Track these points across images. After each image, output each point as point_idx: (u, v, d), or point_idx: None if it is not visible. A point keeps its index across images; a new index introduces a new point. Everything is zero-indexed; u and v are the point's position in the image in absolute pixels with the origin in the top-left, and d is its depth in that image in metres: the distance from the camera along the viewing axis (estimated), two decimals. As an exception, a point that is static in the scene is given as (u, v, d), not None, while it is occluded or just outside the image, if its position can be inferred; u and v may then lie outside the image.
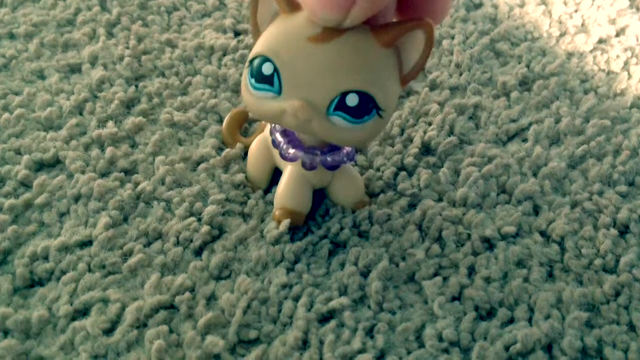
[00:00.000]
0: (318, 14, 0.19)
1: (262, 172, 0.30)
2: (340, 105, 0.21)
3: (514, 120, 0.35)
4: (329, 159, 0.26)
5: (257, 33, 0.22)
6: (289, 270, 0.28)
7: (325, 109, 0.21)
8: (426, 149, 0.33)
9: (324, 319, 0.26)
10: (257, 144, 0.30)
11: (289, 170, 0.28)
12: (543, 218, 0.30)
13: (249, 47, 0.38)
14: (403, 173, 0.32)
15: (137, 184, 0.31)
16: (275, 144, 0.27)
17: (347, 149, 0.27)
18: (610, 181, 0.32)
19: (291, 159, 0.27)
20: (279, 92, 0.21)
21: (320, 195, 0.30)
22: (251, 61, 0.21)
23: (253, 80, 0.22)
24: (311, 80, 0.21)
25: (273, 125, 0.27)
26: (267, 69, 0.21)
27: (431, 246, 0.29)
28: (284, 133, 0.27)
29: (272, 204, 0.30)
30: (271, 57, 0.21)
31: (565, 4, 0.42)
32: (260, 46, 0.21)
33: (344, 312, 0.26)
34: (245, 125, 0.34)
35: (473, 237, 0.29)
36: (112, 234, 0.28)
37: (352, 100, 0.21)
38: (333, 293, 0.27)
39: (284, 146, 0.26)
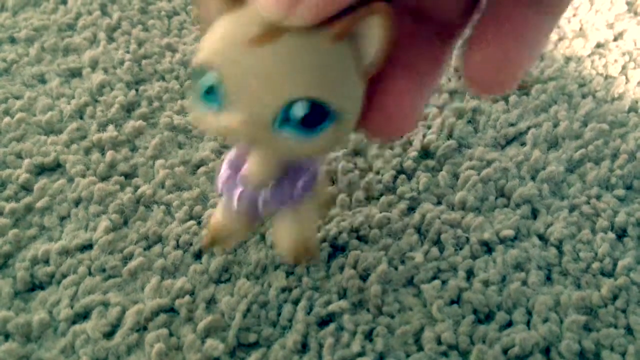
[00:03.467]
0: (262, 4, 0.16)
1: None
2: (286, 118, 0.17)
3: (512, 124, 0.35)
4: (270, 194, 0.23)
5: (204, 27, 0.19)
6: (289, 273, 0.28)
7: (270, 124, 0.17)
8: (425, 153, 0.33)
9: (324, 322, 0.27)
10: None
11: None
12: (541, 222, 0.30)
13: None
14: (402, 176, 0.32)
15: (137, 187, 0.31)
16: (219, 177, 0.24)
17: (296, 189, 0.23)
18: (608, 185, 0.32)
19: (229, 195, 0.23)
20: (221, 106, 0.18)
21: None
22: (194, 70, 0.18)
23: (195, 93, 0.18)
24: (252, 91, 0.17)
25: (229, 154, 0.24)
26: (207, 79, 0.18)
27: (430, 249, 0.29)
28: (230, 168, 0.23)
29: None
30: (210, 64, 0.17)
31: (564, 8, 0.43)
32: (200, 53, 0.18)
33: (343, 315, 0.26)
34: None
35: (472, 241, 0.29)
36: (113, 238, 0.29)
37: (298, 110, 0.17)
38: (332, 296, 0.27)
39: (224, 182, 0.23)
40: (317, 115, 0.17)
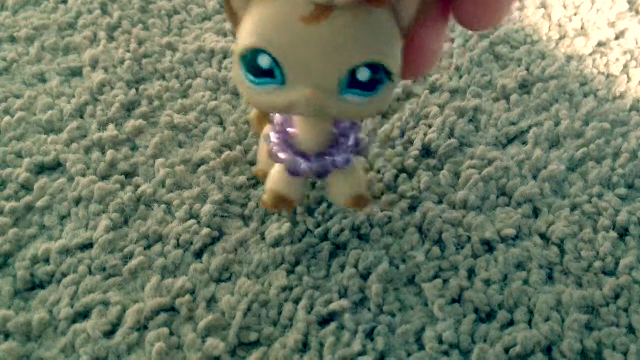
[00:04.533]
0: None
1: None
2: (352, 82, 0.19)
3: (513, 123, 0.35)
4: (314, 165, 0.25)
5: (234, 19, 0.20)
6: (289, 272, 0.28)
7: (336, 90, 0.19)
8: (426, 151, 0.33)
9: (324, 321, 0.26)
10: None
11: None
12: (542, 220, 0.30)
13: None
14: (403, 175, 0.32)
15: (137, 186, 0.31)
16: (267, 138, 0.26)
17: (338, 158, 0.25)
18: (610, 184, 0.32)
19: (277, 161, 0.25)
20: (283, 82, 0.20)
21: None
22: (242, 55, 0.20)
23: (250, 76, 0.20)
24: (315, 64, 0.19)
25: (272, 116, 0.26)
26: (264, 61, 0.19)
27: (431, 248, 0.29)
28: (280, 131, 0.25)
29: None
30: (266, 47, 0.19)
31: (565, 7, 0.43)
32: (248, 37, 0.19)
33: (344, 314, 0.26)
34: None
35: (473, 240, 0.29)
36: (113, 237, 0.29)
37: (362, 74, 0.19)
38: (333, 295, 0.27)
39: (274, 146, 0.25)
40: (377, 77, 0.19)
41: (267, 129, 0.27)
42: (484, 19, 0.19)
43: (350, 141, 0.25)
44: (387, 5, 0.19)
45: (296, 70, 0.19)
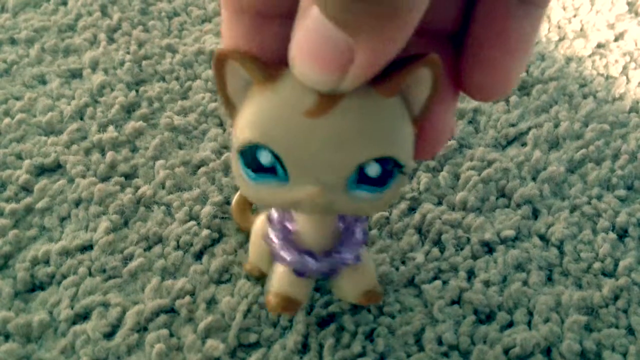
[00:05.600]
0: (309, 76, 0.16)
1: (268, 253, 0.26)
2: (361, 179, 0.18)
3: (513, 125, 0.35)
4: (323, 264, 0.23)
5: (230, 107, 0.18)
6: (289, 274, 0.28)
7: (344, 187, 0.18)
8: (426, 153, 0.33)
9: (324, 322, 0.27)
10: (264, 222, 0.26)
11: None
12: (542, 222, 0.30)
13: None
14: (402, 177, 0.32)
15: (137, 188, 0.31)
16: (267, 238, 0.24)
17: (348, 255, 0.23)
18: (609, 185, 0.32)
19: (283, 263, 0.24)
20: (286, 179, 0.18)
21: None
22: (241, 150, 0.18)
23: (250, 172, 0.18)
24: (320, 160, 0.17)
25: (269, 213, 0.24)
26: (264, 158, 0.18)
27: (431, 250, 0.29)
28: (280, 230, 0.23)
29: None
30: (266, 143, 0.17)
31: (564, 8, 0.43)
32: (247, 131, 0.18)
33: (343, 315, 0.26)
34: None
35: (472, 241, 0.29)
36: (113, 238, 0.29)
37: (372, 170, 0.18)
38: (333, 297, 0.27)
39: (276, 247, 0.23)
40: (388, 171, 0.18)
41: (264, 226, 0.25)
42: (494, 90, 0.18)
43: (357, 234, 0.23)
44: (395, 94, 0.17)
45: (300, 167, 0.18)
